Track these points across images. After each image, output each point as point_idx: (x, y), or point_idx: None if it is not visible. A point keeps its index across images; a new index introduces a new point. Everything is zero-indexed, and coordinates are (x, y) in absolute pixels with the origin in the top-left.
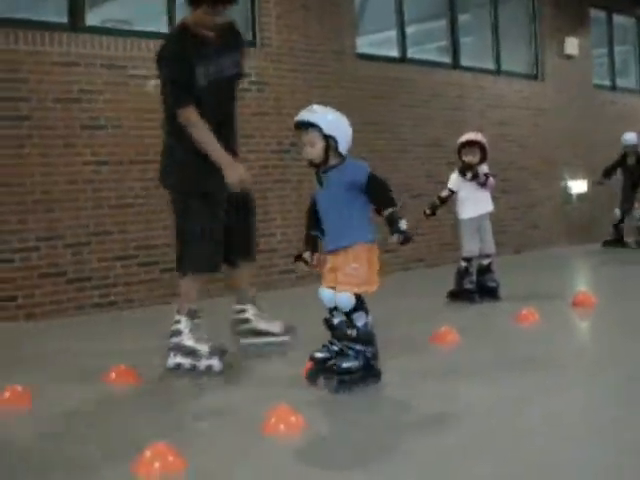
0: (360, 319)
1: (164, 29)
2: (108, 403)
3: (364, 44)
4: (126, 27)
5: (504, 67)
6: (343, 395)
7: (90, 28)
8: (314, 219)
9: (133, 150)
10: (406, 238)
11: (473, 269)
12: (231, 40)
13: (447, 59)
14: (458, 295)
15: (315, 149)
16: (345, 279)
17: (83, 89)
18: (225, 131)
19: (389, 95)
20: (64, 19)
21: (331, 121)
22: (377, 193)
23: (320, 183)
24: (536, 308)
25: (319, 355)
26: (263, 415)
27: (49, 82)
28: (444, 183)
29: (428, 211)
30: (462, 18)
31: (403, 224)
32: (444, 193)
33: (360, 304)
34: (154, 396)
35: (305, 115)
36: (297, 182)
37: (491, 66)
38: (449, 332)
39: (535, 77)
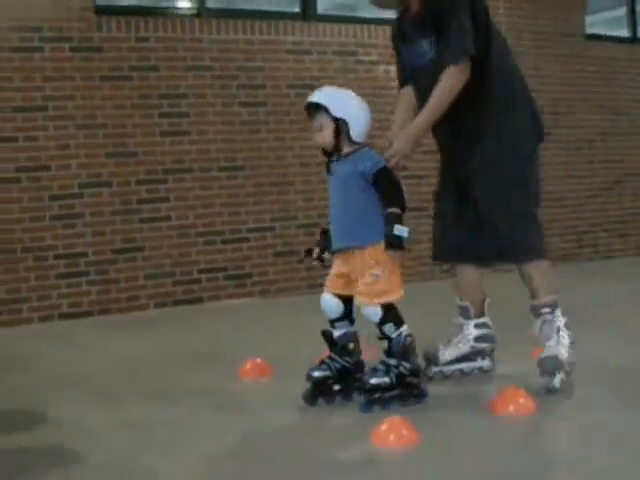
0: (392, 330)
1: (392, 14)
2: None
3: (592, 23)
4: (351, 13)
5: None
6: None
7: (321, 16)
8: None
9: None
10: (393, 244)
11: None
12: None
13: None
14: None
15: (324, 133)
16: (365, 289)
17: (314, 75)
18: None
19: (619, 77)
20: (296, 8)
21: (341, 102)
22: (385, 188)
23: (329, 172)
24: None
25: (317, 374)
26: (493, 396)
27: (283, 69)
28: None
29: None
30: None
31: (399, 229)
32: None
33: (390, 315)
34: None
35: (312, 96)
36: None
37: None
38: None
39: None
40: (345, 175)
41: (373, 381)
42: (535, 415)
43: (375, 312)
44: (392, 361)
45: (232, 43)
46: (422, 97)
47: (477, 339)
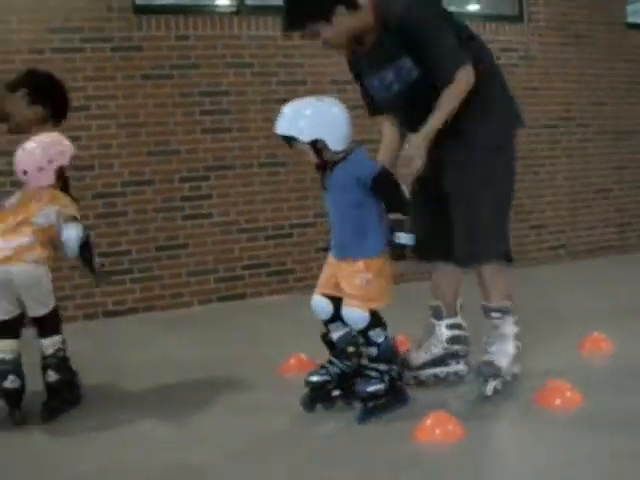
0: (379, 335)
1: None
2: None
3: (632, 12)
4: None
5: None
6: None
7: None
8: None
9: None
10: (399, 255)
11: None
12: None
13: None
14: None
15: (310, 158)
16: (355, 292)
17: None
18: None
19: None
20: None
21: (308, 124)
22: (385, 194)
23: (323, 187)
24: None
25: (315, 379)
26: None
27: (323, 65)
28: None
29: None
30: None
31: (404, 237)
32: None
33: (376, 320)
34: None
35: (279, 127)
36: (567, 157)
37: None
38: None
39: None
40: (340, 182)
41: (370, 389)
42: (581, 408)
43: (364, 317)
44: (383, 366)
45: (271, 39)
46: (407, 117)
47: (450, 340)
